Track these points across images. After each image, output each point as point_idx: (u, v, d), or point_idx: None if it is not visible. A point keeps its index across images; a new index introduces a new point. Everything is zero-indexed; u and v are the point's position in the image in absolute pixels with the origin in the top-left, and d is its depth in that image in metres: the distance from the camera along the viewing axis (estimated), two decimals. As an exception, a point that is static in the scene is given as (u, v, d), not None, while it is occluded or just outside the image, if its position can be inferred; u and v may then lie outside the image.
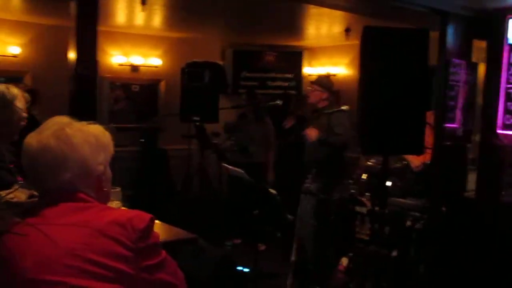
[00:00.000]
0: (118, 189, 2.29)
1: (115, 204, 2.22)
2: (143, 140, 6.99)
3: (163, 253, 1.44)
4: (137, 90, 7.37)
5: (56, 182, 1.42)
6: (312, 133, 4.67)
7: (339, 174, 5.08)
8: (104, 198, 1.54)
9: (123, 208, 2.35)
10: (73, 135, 1.44)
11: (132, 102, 7.37)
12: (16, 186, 1.85)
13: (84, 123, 1.50)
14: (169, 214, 6.01)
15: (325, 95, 5.13)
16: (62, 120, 1.48)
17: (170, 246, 1.49)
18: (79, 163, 1.43)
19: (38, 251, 1.32)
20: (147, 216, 1.41)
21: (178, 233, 2.49)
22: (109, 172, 1.54)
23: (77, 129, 1.46)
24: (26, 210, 1.48)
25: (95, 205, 1.45)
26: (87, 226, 1.35)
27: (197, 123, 6.14)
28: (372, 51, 3.37)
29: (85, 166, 1.44)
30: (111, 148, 1.53)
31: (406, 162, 4.89)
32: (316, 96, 5.18)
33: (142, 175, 6.79)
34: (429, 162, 4.76)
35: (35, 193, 1.76)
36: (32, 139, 1.44)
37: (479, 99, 4.25)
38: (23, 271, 1.31)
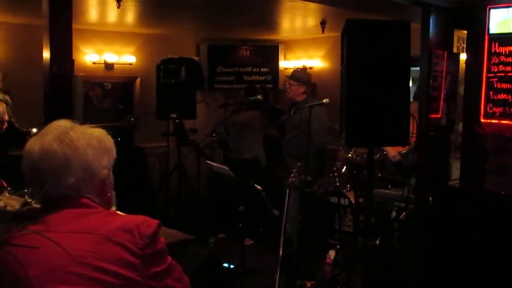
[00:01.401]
0: (113, 193, 2.21)
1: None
2: (119, 139, 6.84)
3: (169, 258, 1.41)
4: (110, 88, 7.22)
5: (60, 187, 1.37)
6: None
7: (322, 168, 5.10)
8: (108, 203, 1.50)
9: (119, 212, 2.28)
10: (76, 139, 1.39)
11: (109, 100, 7.23)
12: (5, 193, 1.77)
13: (86, 126, 1.45)
14: (148, 213, 5.98)
15: (302, 89, 5.14)
16: (64, 123, 1.44)
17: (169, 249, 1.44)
18: (83, 167, 1.38)
19: (45, 260, 1.27)
20: (154, 221, 1.38)
21: (175, 235, 2.43)
22: (112, 176, 1.49)
23: (81, 133, 1.42)
24: (25, 218, 1.41)
25: (100, 211, 1.40)
26: (94, 233, 1.30)
27: (177, 120, 6.07)
28: (354, 44, 3.36)
29: (89, 170, 1.40)
30: (114, 152, 1.50)
31: (385, 153, 4.93)
32: (293, 91, 5.18)
33: (119, 174, 6.65)
34: (404, 151, 4.82)
35: (29, 199, 1.69)
36: (34, 144, 1.38)
37: (461, 89, 4.29)
38: (30, 280, 1.25)
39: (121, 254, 1.28)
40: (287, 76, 5.48)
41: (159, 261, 1.36)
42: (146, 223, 1.35)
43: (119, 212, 2.02)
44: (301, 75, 5.32)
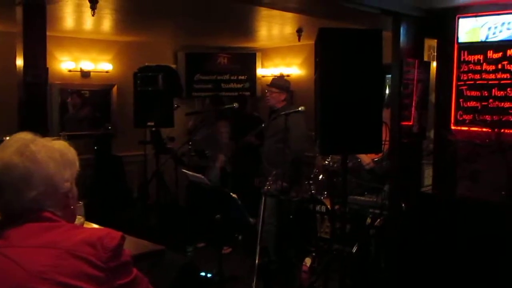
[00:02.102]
0: (81, 203, 2.21)
1: (78, 218, 2.14)
2: (96, 148, 6.82)
3: (135, 270, 1.41)
4: (87, 96, 7.17)
5: (21, 201, 1.36)
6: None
7: (298, 175, 5.12)
8: (71, 216, 1.49)
9: (86, 222, 2.27)
10: (37, 152, 1.38)
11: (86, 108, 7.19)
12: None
13: (48, 139, 1.45)
14: (127, 222, 5.96)
15: (283, 96, 5.18)
16: (25, 136, 1.43)
17: (136, 259, 1.44)
18: (44, 180, 1.38)
19: (4, 277, 1.26)
20: (117, 234, 1.38)
21: (144, 245, 2.43)
22: (75, 189, 1.48)
23: (41, 145, 1.41)
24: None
25: (62, 224, 1.39)
26: (56, 247, 1.30)
27: (153, 128, 6.05)
28: (327, 52, 3.40)
29: (51, 184, 1.39)
30: (76, 164, 1.48)
31: (359, 160, 4.98)
32: (274, 98, 5.21)
33: (97, 183, 6.64)
34: (378, 159, 4.86)
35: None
36: None
37: (432, 97, 4.36)
38: None
39: (84, 268, 1.28)
40: (267, 84, 5.50)
41: (124, 273, 1.36)
42: (109, 235, 1.35)
43: (90, 224, 2.00)
44: (282, 83, 5.37)
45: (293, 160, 5.01)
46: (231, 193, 3.84)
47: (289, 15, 5.36)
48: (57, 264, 1.26)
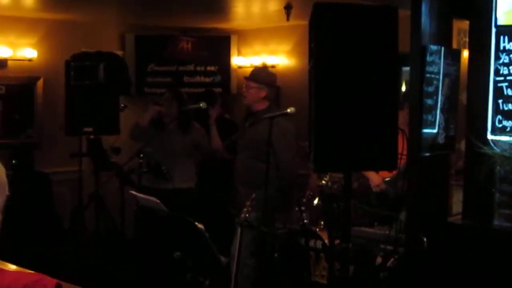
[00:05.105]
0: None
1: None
2: (14, 162, 6.77)
3: None
4: (3, 92, 7.12)
5: None
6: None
7: (284, 199, 5.10)
8: None
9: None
10: None
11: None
12: None
13: None
14: (55, 260, 5.90)
15: (263, 93, 5.14)
16: None
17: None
18: None
19: None
20: (50, 282, 1.37)
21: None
22: None
23: None
24: None
25: None
26: None
27: (91, 136, 6.02)
28: (325, 36, 3.41)
29: None
30: (6, 188, 1.51)
31: (365, 180, 4.99)
32: (252, 95, 5.18)
33: (15, 209, 6.56)
34: (389, 179, 4.87)
35: None
36: None
37: (463, 96, 4.39)
38: None
39: None
40: (245, 77, 5.48)
41: None
42: (39, 284, 1.34)
43: (5, 265, 1.96)
44: (263, 75, 5.32)
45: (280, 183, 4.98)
46: (195, 223, 3.83)
47: (275, -15, 5.41)
48: None
